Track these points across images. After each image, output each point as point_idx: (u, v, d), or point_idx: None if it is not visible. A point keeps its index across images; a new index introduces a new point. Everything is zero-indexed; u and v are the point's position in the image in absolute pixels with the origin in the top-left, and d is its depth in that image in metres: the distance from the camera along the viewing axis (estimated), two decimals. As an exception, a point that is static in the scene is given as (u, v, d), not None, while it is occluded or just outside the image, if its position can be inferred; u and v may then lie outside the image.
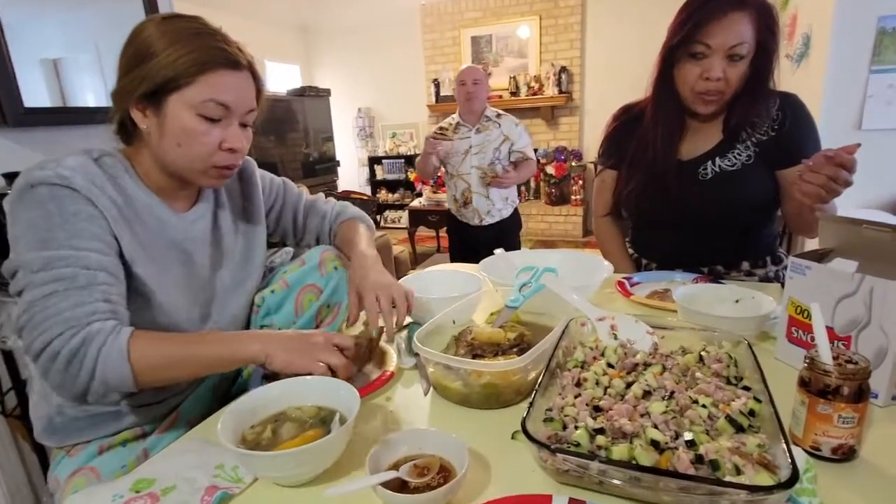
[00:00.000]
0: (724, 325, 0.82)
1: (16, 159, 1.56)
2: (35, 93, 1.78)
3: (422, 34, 5.81)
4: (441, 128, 2.60)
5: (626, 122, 1.36)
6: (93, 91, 2.19)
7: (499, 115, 2.62)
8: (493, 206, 2.64)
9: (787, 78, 3.74)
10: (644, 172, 1.27)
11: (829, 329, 0.71)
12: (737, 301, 0.96)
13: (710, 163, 1.22)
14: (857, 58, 2.82)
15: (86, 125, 1.83)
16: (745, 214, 1.23)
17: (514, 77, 5.38)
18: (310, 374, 0.72)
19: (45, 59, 2.03)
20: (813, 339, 0.71)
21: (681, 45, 1.12)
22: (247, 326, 0.96)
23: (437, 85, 5.74)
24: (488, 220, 2.66)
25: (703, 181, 1.22)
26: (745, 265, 1.29)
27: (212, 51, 0.75)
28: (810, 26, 3.22)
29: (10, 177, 1.44)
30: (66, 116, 1.80)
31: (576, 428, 0.58)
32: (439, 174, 2.85)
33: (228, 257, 0.92)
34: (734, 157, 1.20)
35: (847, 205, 3.44)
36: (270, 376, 0.86)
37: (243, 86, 0.80)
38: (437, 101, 5.75)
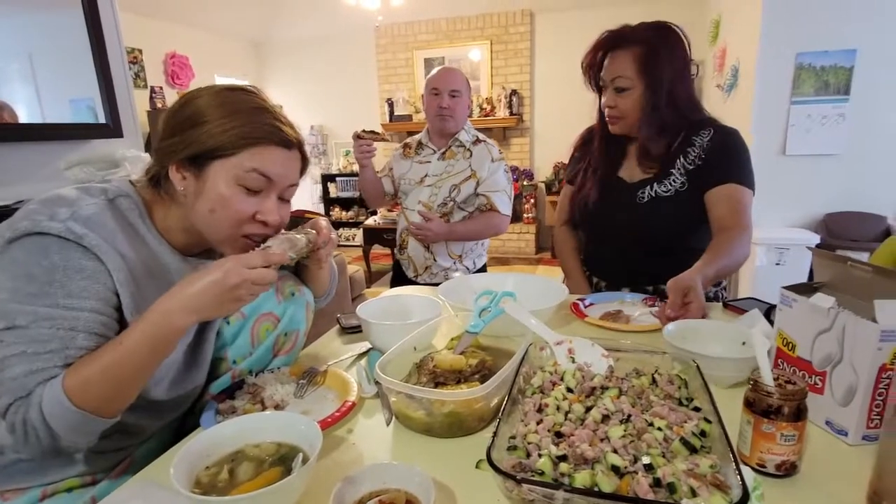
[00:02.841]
0: (725, 367, 0.83)
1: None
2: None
3: (376, 54, 5.85)
4: (373, 131, 1.84)
5: (587, 141, 1.48)
6: (24, 103, 2.06)
7: (476, 142, 1.92)
8: (433, 263, 1.93)
9: (718, 106, 4.02)
10: (592, 187, 1.39)
11: (807, 363, 0.73)
12: (743, 343, 0.89)
13: (648, 188, 1.32)
14: (779, 90, 3.07)
15: (20, 142, 1.71)
16: (680, 236, 1.32)
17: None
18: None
19: (-28, 69, 1.89)
20: (795, 370, 0.75)
21: (595, 77, 1.32)
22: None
23: (390, 104, 5.77)
24: (426, 279, 1.95)
25: (640, 203, 1.32)
26: None
27: (266, 127, 0.76)
28: (738, 59, 3.48)
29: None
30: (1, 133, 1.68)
31: (539, 455, 0.59)
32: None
33: None
34: (670, 183, 1.30)
35: (774, 224, 3.68)
36: (224, 411, 0.83)
37: (291, 163, 0.81)
38: (390, 120, 5.77)
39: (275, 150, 0.77)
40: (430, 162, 1.92)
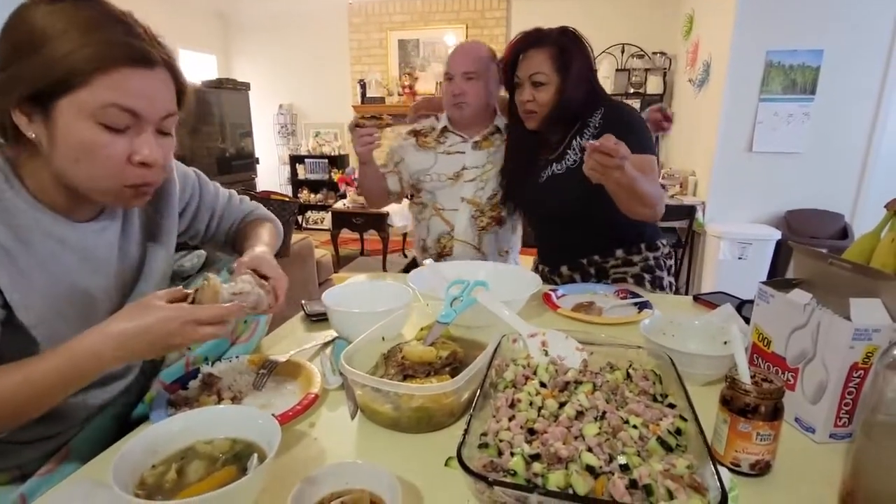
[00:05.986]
0: (700, 364, 0.81)
1: None
2: None
3: (348, 33, 5.68)
4: (374, 116, 1.46)
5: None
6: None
7: None
8: None
9: (689, 100, 4.07)
10: (507, 176, 1.52)
11: (781, 359, 0.73)
12: (725, 342, 0.88)
13: (548, 168, 1.41)
14: (748, 87, 3.12)
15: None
16: (582, 209, 1.37)
17: (440, 83, 5.41)
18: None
19: None
20: (769, 367, 0.75)
21: (509, 76, 1.40)
22: None
23: (363, 86, 5.63)
24: None
25: (540, 183, 1.41)
26: (620, 252, 1.43)
27: (114, 45, 0.61)
28: (710, 54, 3.51)
29: None
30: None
31: (511, 454, 0.57)
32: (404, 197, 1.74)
33: (135, 276, 0.82)
34: (564, 162, 1.38)
35: (738, 219, 3.75)
36: (177, 403, 0.77)
37: (157, 87, 0.66)
38: (362, 101, 5.64)
39: (132, 72, 0.62)
40: (463, 153, 1.57)
